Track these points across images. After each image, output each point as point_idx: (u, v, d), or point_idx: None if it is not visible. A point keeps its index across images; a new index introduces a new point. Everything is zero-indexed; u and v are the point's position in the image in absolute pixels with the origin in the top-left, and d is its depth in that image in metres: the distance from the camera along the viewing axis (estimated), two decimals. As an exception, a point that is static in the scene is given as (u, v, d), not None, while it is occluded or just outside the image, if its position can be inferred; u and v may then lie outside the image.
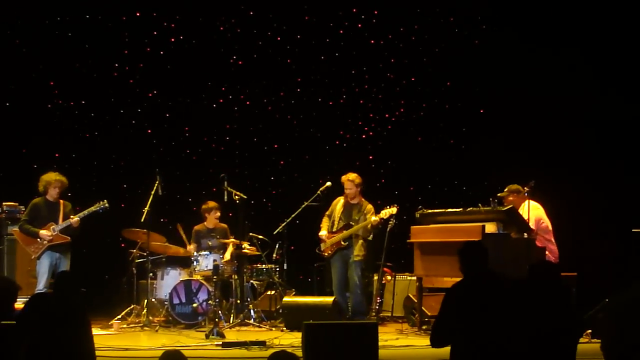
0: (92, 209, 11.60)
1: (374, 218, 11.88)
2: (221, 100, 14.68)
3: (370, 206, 12.10)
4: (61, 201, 11.64)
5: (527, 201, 11.07)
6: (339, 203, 12.27)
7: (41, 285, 11.26)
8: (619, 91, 13.48)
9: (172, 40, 14.46)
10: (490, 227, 10.78)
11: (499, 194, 11.14)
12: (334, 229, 12.16)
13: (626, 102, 13.44)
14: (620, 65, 13.54)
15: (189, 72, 14.39)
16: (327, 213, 12.35)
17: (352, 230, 12.00)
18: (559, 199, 11.79)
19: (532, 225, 10.91)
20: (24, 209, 11.86)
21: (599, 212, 12.92)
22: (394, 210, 11.89)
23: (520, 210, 11.02)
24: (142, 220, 12.14)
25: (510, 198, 11.18)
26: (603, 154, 13.40)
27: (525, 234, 10.82)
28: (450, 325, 6.89)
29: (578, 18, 13.63)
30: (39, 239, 11.37)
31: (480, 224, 10.69)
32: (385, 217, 11.91)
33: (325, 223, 12.31)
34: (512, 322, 6.63)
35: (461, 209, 11.19)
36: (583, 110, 13.59)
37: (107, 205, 11.61)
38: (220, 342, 10.09)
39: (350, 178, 12.14)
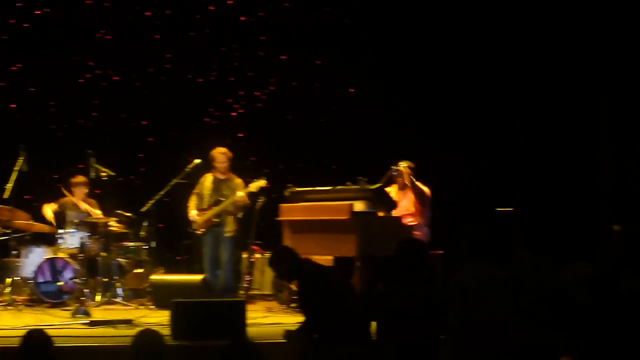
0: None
1: (240, 193, 11.83)
2: (88, 75, 14.40)
3: (239, 180, 12.06)
4: None
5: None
6: (207, 180, 12.18)
7: None
8: (481, 73, 13.78)
9: (38, 12, 14.11)
10: (359, 206, 10.89)
11: (381, 184, 11.23)
12: (205, 206, 12.08)
13: (486, 85, 13.76)
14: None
15: (55, 46, 14.06)
16: (195, 191, 12.25)
17: (222, 206, 11.93)
18: (428, 177, 11.95)
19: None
20: None
21: (466, 191, 13.15)
22: (262, 182, 11.86)
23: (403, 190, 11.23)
24: (6, 197, 11.86)
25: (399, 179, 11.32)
26: (471, 133, 13.65)
27: (393, 212, 10.98)
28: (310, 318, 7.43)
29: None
30: None
31: (349, 202, 10.79)
32: (254, 191, 11.88)
33: (193, 202, 12.20)
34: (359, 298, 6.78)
35: (330, 188, 11.26)
36: (450, 89, 13.82)
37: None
38: (87, 321, 9.94)
39: (222, 151, 12.08)
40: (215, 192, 12.09)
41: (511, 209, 11.61)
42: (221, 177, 12.11)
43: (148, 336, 5.73)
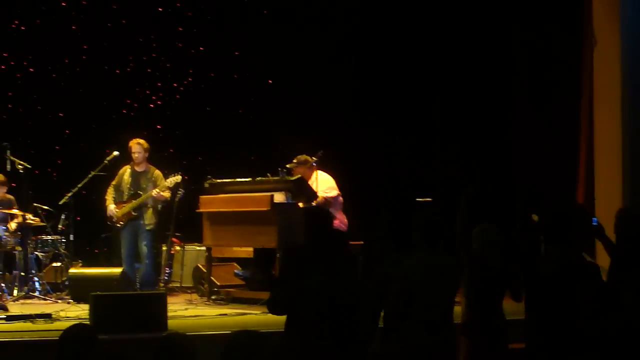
0: None
1: (155, 191, 11.75)
2: (3, 67, 14.19)
3: (158, 172, 11.96)
4: None
5: (316, 172, 11.27)
6: (125, 172, 12.08)
7: None
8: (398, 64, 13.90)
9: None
10: (279, 197, 10.93)
11: (287, 165, 11.25)
12: (124, 199, 11.98)
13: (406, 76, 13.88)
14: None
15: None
16: (113, 183, 12.13)
17: (140, 200, 11.85)
18: (347, 168, 12.03)
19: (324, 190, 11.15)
20: None
21: (386, 182, 13.25)
22: (178, 178, 11.82)
23: (310, 182, 11.19)
24: None
25: (299, 169, 11.30)
26: (390, 125, 13.75)
27: (314, 203, 11.02)
28: (289, 290, 6.79)
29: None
30: None
31: (269, 193, 10.81)
32: (170, 186, 11.82)
33: (110, 194, 12.06)
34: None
35: (250, 179, 11.27)
36: (369, 81, 13.92)
37: None
38: (4, 316, 9.81)
39: (138, 141, 11.98)
40: (133, 184, 11.99)
41: (430, 199, 11.72)
42: (139, 169, 12.02)
43: (80, 330, 5.65)
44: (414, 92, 13.90)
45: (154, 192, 11.76)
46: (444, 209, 10.62)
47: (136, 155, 11.96)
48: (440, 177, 13.14)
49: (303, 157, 11.41)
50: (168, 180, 11.82)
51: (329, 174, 11.52)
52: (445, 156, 13.53)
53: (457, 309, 6.85)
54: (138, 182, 11.98)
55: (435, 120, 13.91)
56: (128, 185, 11.99)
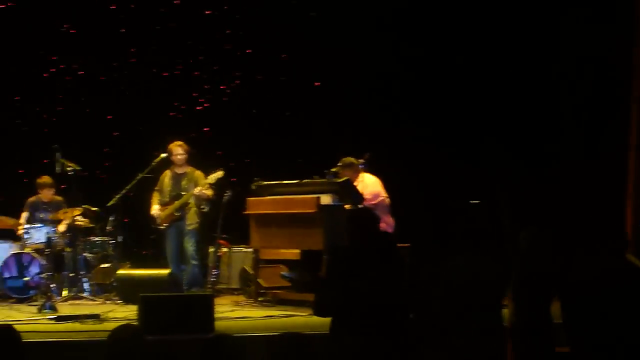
0: None
1: (199, 187, 11.82)
2: (53, 70, 14.33)
3: (199, 173, 12.03)
4: None
5: (362, 174, 11.26)
6: (166, 176, 12.17)
7: None
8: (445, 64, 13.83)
9: (1, 6, 14.01)
10: (326, 199, 10.92)
11: (332, 169, 11.23)
12: (167, 200, 12.06)
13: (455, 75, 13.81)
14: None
15: (18, 40, 13.97)
16: (156, 188, 12.23)
17: (183, 200, 11.92)
18: (393, 170, 11.99)
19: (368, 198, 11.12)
20: None
21: (433, 184, 13.20)
22: (220, 173, 11.86)
23: (356, 184, 11.19)
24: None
25: (345, 172, 11.29)
26: (436, 126, 13.70)
27: (360, 206, 11.00)
28: (336, 292, 6.72)
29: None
30: None
31: (316, 195, 10.81)
32: (212, 182, 11.87)
33: (155, 198, 12.18)
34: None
35: (297, 181, 11.28)
36: (415, 84, 13.87)
37: None
38: (54, 316, 9.90)
39: (178, 144, 12.06)
40: (175, 186, 12.07)
41: (477, 201, 11.65)
42: (179, 171, 12.10)
43: (128, 331, 5.69)
44: (460, 94, 13.81)
45: (196, 190, 11.83)
46: (490, 211, 10.57)
47: (179, 157, 12.04)
48: (486, 179, 13.04)
49: (349, 159, 11.41)
50: (209, 177, 11.87)
51: (375, 176, 11.51)
52: (491, 158, 13.43)
53: (506, 312, 6.82)
54: (179, 183, 12.06)
55: (482, 120, 13.80)
56: (169, 188, 12.08)
